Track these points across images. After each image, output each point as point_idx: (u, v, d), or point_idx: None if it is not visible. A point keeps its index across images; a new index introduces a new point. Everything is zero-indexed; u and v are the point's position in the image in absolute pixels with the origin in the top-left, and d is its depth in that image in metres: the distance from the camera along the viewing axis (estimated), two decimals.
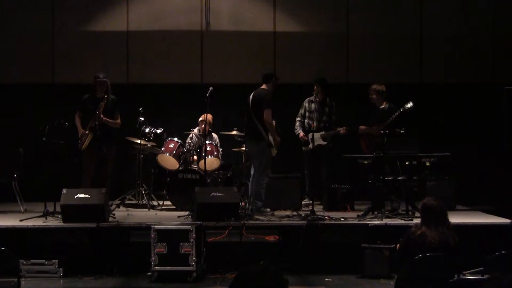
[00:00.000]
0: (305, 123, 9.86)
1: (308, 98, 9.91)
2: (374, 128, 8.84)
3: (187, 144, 9.86)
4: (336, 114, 9.86)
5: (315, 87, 9.79)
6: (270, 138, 8.84)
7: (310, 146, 9.44)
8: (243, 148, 9.73)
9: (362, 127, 9.13)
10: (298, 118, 9.93)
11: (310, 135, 9.38)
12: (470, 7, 11.26)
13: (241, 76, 10.89)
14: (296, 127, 9.89)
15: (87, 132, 8.98)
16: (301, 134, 9.82)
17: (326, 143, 9.78)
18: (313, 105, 9.85)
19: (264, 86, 8.99)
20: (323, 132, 9.72)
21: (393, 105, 8.93)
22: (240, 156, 9.98)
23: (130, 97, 10.44)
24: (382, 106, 9.02)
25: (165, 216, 8.93)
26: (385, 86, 9.15)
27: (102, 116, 8.97)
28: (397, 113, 8.65)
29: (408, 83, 11.05)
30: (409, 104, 8.59)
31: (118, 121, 9.23)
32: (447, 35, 11.23)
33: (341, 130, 9.70)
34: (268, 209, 8.90)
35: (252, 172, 8.99)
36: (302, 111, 9.93)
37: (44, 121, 8.69)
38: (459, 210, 9.13)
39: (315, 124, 9.66)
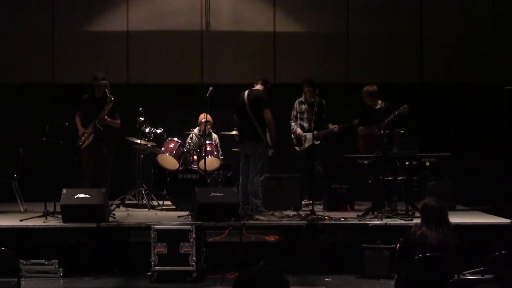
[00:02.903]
0: (297, 124, 9.90)
1: (298, 99, 9.96)
2: (374, 129, 8.87)
3: (187, 144, 9.86)
4: (327, 113, 9.87)
5: (304, 88, 9.81)
6: (268, 138, 8.88)
7: (305, 145, 9.51)
8: None
9: (361, 128, 9.13)
10: (292, 121, 9.98)
11: (302, 136, 9.43)
12: (470, 7, 11.25)
13: (241, 76, 10.88)
14: (292, 127, 9.92)
15: (88, 131, 8.98)
16: (298, 130, 9.84)
17: (318, 142, 9.79)
18: (303, 106, 9.89)
19: (259, 87, 9.04)
20: (315, 132, 9.73)
21: (389, 104, 8.99)
22: (240, 156, 9.97)
23: (130, 97, 10.45)
24: (378, 106, 9.06)
25: (165, 216, 8.93)
26: (383, 86, 9.18)
27: (106, 117, 8.99)
28: (392, 115, 8.70)
29: (408, 83, 11.05)
30: (404, 107, 8.65)
31: (118, 121, 9.26)
32: (447, 35, 11.23)
33: (334, 128, 9.70)
34: (267, 210, 8.89)
35: (242, 172, 9.04)
36: (294, 112, 9.99)
37: (44, 121, 8.69)
38: (459, 210, 9.12)
39: (306, 124, 9.69)
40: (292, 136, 9.97)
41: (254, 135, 8.88)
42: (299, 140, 9.84)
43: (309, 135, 9.54)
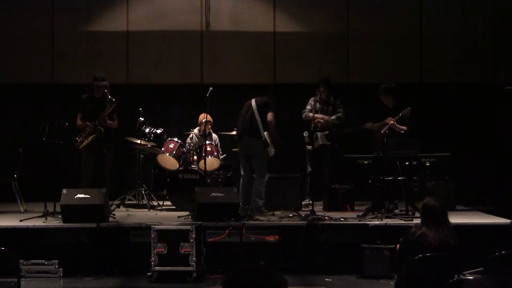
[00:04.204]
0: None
1: (313, 97, 9.84)
2: (375, 125, 8.94)
3: (187, 144, 9.86)
4: (341, 113, 9.84)
5: (320, 88, 9.70)
6: (267, 137, 8.89)
7: (316, 145, 9.47)
8: None
9: (369, 124, 9.13)
10: (305, 113, 9.74)
11: (314, 135, 9.40)
12: (470, 7, 11.25)
13: (241, 76, 10.89)
14: (305, 113, 9.68)
15: (87, 131, 8.98)
16: (310, 115, 9.53)
17: (330, 143, 9.76)
18: (317, 105, 9.82)
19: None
20: (327, 132, 9.71)
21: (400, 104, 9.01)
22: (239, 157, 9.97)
23: (130, 97, 10.44)
24: (390, 106, 9.08)
25: (165, 216, 8.94)
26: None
27: (107, 119, 9.00)
28: (396, 117, 8.72)
29: (408, 83, 11.03)
30: (407, 109, 8.70)
31: (116, 122, 9.25)
32: (447, 35, 11.22)
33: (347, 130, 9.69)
34: (267, 210, 8.89)
35: (242, 172, 9.06)
36: (308, 107, 9.80)
37: (44, 121, 8.69)
38: (459, 210, 9.12)
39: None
40: (304, 135, 9.75)
41: (253, 132, 8.90)
42: (312, 137, 9.68)
43: (321, 134, 9.51)
